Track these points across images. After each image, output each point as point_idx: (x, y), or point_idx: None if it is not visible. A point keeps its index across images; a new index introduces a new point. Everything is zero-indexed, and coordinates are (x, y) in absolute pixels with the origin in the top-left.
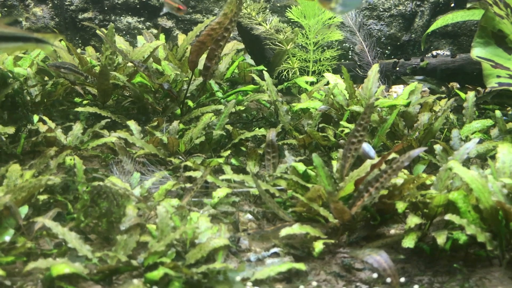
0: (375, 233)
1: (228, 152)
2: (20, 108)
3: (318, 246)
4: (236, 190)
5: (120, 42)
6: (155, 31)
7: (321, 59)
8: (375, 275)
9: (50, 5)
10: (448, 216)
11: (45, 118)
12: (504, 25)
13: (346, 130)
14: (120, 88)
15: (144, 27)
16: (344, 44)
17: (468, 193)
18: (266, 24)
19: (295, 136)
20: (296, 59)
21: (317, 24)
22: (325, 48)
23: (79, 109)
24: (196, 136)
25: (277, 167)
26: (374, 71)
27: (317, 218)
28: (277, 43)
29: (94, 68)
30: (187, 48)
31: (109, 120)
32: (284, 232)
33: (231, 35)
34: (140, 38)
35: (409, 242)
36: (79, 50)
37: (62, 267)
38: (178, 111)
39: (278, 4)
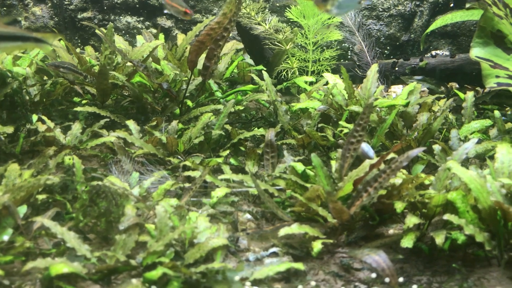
0: (374, 233)
1: (227, 152)
2: (19, 108)
3: (317, 246)
4: (235, 190)
5: (119, 41)
6: (154, 30)
7: (320, 59)
8: (373, 275)
9: (49, 4)
10: (446, 216)
11: (44, 117)
12: (503, 25)
13: (345, 130)
14: (119, 88)
15: (144, 27)
16: (343, 44)
17: (466, 193)
18: (266, 24)
19: (294, 136)
20: (295, 59)
21: (316, 24)
22: (324, 48)
23: (78, 108)
24: (195, 135)
25: (276, 167)
26: (373, 71)
27: (316, 218)
28: (276, 43)
29: (93, 67)
30: (186, 47)
31: (108, 119)
32: (283, 231)
33: (231, 34)
34: (139, 38)
35: (407, 242)
36: (78, 50)
37: (60, 266)
38: (177, 111)
39: (278, 4)
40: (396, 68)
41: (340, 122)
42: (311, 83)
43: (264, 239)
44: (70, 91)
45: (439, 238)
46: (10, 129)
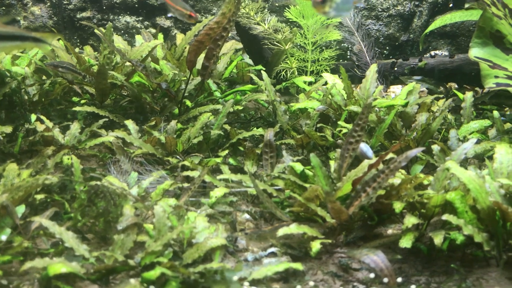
0: (373, 233)
1: (226, 151)
2: (17, 107)
3: (316, 246)
4: (234, 190)
5: (118, 41)
6: (153, 30)
7: (320, 59)
8: (372, 275)
9: (48, 4)
10: (445, 216)
11: (42, 117)
12: (502, 25)
13: (344, 130)
14: (118, 88)
15: (143, 27)
16: (342, 44)
17: (465, 194)
18: (265, 23)
19: (293, 136)
20: (294, 59)
21: (316, 24)
22: (323, 48)
23: (77, 108)
24: (194, 135)
25: (275, 167)
26: (372, 71)
27: (315, 218)
28: (275, 42)
29: (92, 67)
30: (185, 47)
31: (107, 119)
32: (281, 231)
33: (230, 34)
34: (138, 38)
35: (406, 242)
36: (77, 50)
37: (58, 266)
38: (176, 111)
39: (277, 4)
40: (395, 68)
41: (339, 122)
42: (310, 83)
43: (263, 239)
44: (69, 91)
45: (438, 238)
46: (8, 129)
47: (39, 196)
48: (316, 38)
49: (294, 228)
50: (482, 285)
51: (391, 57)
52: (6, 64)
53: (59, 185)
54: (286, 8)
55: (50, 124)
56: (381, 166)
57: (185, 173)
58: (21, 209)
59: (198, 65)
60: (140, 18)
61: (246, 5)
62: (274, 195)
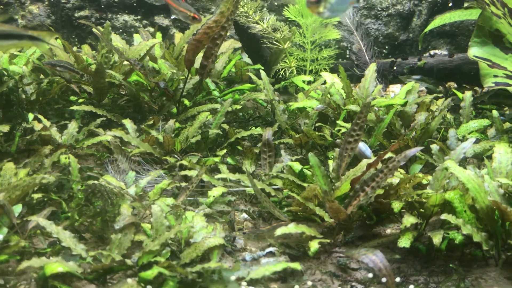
0: (371, 232)
1: (224, 151)
2: (15, 106)
3: (314, 245)
4: (232, 189)
5: (117, 40)
6: (152, 29)
7: (318, 58)
8: (370, 275)
9: (46, 3)
10: (444, 216)
11: (40, 116)
12: (501, 24)
13: (343, 130)
14: (116, 87)
15: (141, 26)
16: (341, 43)
17: (464, 193)
18: (263, 22)
19: (291, 135)
20: (293, 58)
21: (315, 23)
22: (322, 47)
23: (75, 107)
24: (192, 135)
25: (273, 166)
26: (371, 70)
27: (313, 217)
28: (274, 42)
29: (90, 66)
30: (184, 46)
31: (104, 118)
32: (279, 231)
33: (228, 33)
34: (136, 37)
35: (405, 242)
36: (75, 48)
37: (55, 266)
38: (174, 110)
39: (276, 3)
40: (395, 68)
41: (338, 122)
42: (309, 83)
43: (261, 239)
44: (67, 90)
45: (437, 238)
46: (5, 128)
47: (36, 195)
48: (315, 37)
49: (292, 228)
50: (481, 285)
51: (390, 56)
52: (4, 63)
53: (57, 184)
54: (285, 7)
55: (48, 123)
56: (379, 166)
57: (183, 173)
58: (18, 208)
59: (197, 64)
60: (139, 17)
61: (244, 4)
62: (273, 195)
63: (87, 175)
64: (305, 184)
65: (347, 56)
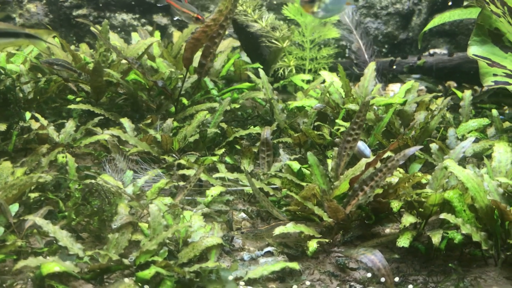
0: (370, 232)
1: (223, 150)
2: (12, 105)
3: (312, 245)
4: (230, 188)
5: (115, 39)
6: (150, 28)
7: (318, 57)
8: (369, 275)
9: (44, 1)
10: (443, 215)
11: (37, 115)
12: (501, 23)
13: (342, 129)
14: (114, 86)
15: (139, 24)
16: (341, 42)
17: (463, 192)
18: (262, 21)
19: (290, 134)
20: (292, 57)
21: (314, 22)
22: (321, 46)
23: (72, 106)
24: (190, 134)
25: (272, 166)
26: (370, 69)
27: (312, 217)
28: (273, 40)
29: (88, 65)
30: (182, 45)
31: (102, 117)
32: (278, 231)
33: (227, 32)
34: (134, 35)
35: (404, 242)
36: (73, 47)
37: (52, 265)
38: (173, 109)
39: (275, 1)
40: (394, 67)
41: (337, 121)
42: (308, 81)
43: (259, 238)
44: (64, 89)
45: (436, 238)
46: (2, 127)
47: (33, 195)
48: (314, 36)
49: (290, 227)
50: (480, 285)
51: (389, 55)
52: (1, 61)
53: (54, 183)
54: (284, 6)
55: (45, 122)
56: (379, 165)
57: (181, 172)
58: (14, 208)
59: (195, 63)
60: (137, 16)
61: (243, 2)
62: (271, 194)
63: (85, 174)
64: (304, 184)
65: (346, 55)
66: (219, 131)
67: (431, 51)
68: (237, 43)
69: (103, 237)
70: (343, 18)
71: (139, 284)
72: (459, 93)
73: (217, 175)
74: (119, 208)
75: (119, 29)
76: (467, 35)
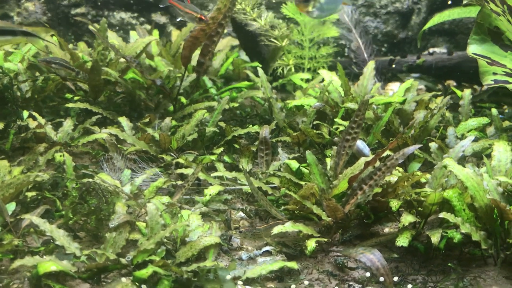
0: (369, 231)
1: (221, 149)
2: (9, 104)
3: (311, 244)
4: (229, 187)
5: (113, 37)
6: (149, 27)
7: (317, 56)
8: (368, 274)
9: (42, 0)
10: (442, 214)
11: (35, 114)
12: (501, 22)
13: (341, 128)
14: (112, 84)
15: (138, 23)
16: (340, 41)
17: (463, 191)
18: (261, 20)
19: (289, 133)
20: (291, 56)
21: (313, 21)
22: (320, 45)
23: (70, 105)
24: (189, 133)
25: (270, 165)
26: (370, 68)
27: (310, 216)
28: (272, 39)
29: (86, 63)
30: (181, 44)
31: (100, 116)
32: (276, 230)
33: (226, 31)
34: (133, 34)
35: (403, 241)
36: (71, 46)
37: (49, 264)
38: (171, 108)
39: (274, 0)
40: (393, 66)
41: (336, 120)
42: (307, 80)
43: (257, 238)
44: (62, 87)
45: (435, 237)
46: (0, 126)
47: (30, 194)
48: (313, 35)
49: (289, 227)
50: (480, 284)
51: (389, 54)
52: None
53: (51, 182)
54: (283, 4)
55: (43, 121)
56: (378, 164)
57: (179, 171)
58: (11, 207)
59: (194, 62)
60: (136, 15)
61: (242, 1)
62: (269, 193)
63: (82, 173)
64: (303, 183)
65: (346, 54)
66: (217, 130)
67: (431, 50)
68: (236, 42)
69: (100, 236)
70: (342, 17)
71: (137, 283)
72: (458, 92)
73: (215, 174)
74: (117, 207)
75: (117, 27)
76: (467, 34)
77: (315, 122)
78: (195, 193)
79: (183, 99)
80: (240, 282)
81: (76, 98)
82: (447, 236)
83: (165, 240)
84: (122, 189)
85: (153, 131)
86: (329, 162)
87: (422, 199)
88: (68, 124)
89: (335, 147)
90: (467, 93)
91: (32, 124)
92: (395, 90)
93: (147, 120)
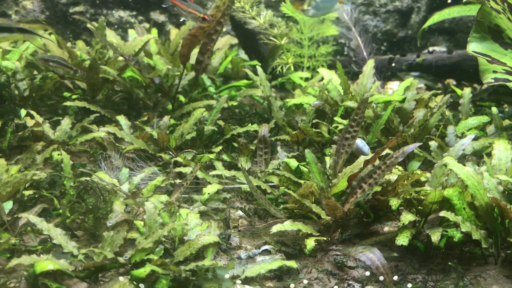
0: (368, 230)
1: (220, 147)
2: (7, 102)
3: (310, 243)
4: (227, 186)
5: (111, 36)
6: (147, 25)
7: (316, 55)
8: (368, 273)
9: None
10: (442, 213)
11: (32, 112)
12: (501, 20)
13: (340, 126)
14: (110, 83)
15: (137, 21)
16: (339, 40)
17: (463, 190)
18: (260, 18)
19: (288, 132)
20: (290, 55)
21: (312, 19)
22: (320, 43)
23: (68, 103)
24: (187, 131)
25: (269, 163)
26: (369, 66)
27: (309, 215)
28: (271, 37)
29: (84, 62)
30: (179, 42)
31: (98, 114)
32: (275, 229)
33: (225, 30)
34: (131, 32)
35: (402, 240)
36: (69, 44)
37: (46, 263)
38: (170, 106)
39: None
40: (393, 64)
41: (335, 118)
42: (306, 79)
43: (256, 237)
44: (60, 86)
45: (435, 236)
46: None
47: (28, 192)
48: (313, 34)
49: (288, 225)
50: (480, 283)
51: (388, 53)
52: None
53: (48, 181)
54: (282, 2)
55: (40, 119)
56: (377, 162)
57: (178, 169)
58: (8, 205)
59: (192, 60)
60: (134, 13)
61: None
62: (268, 192)
63: (80, 171)
64: (302, 181)
65: (345, 52)
66: (216, 129)
67: (430, 48)
68: (235, 41)
69: (98, 235)
70: (341, 15)
71: (134, 282)
72: (458, 91)
73: (214, 172)
74: (115, 206)
75: (116, 26)
76: (466, 33)
77: (314, 121)
78: (194, 192)
79: (181, 98)
80: (238, 281)
81: (74, 96)
82: (447, 235)
83: (163, 239)
84: (120, 188)
85: (152, 130)
86: (328, 160)
87: (422, 197)
88: (66, 122)
89: (334, 146)
90: (467, 92)
91: (30, 122)
92: (394, 89)
93: (146, 118)
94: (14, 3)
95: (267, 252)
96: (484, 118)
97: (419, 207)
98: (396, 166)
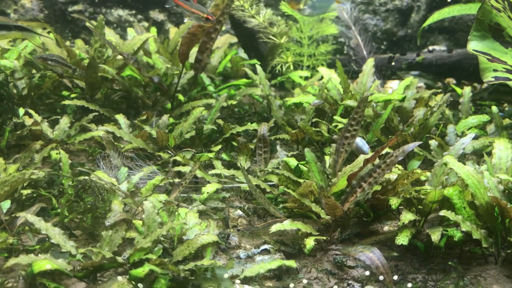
0: (368, 229)
1: (219, 147)
2: (5, 101)
3: (310, 242)
4: (227, 185)
5: (110, 34)
6: (146, 24)
7: (316, 54)
8: (367, 273)
9: None
10: (443, 212)
11: (31, 111)
12: (501, 18)
13: (340, 125)
14: (109, 81)
15: (136, 20)
16: (339, 39)
17: (463, 189)
18: (260, 17)
19: (288, 131)
20: (290, 53)
21: (312, 18)
22: (319, 42)
23: (67, 102)
24: (186, 130)
25: (269, 162)
26: (369, 65)
27: (309, 214)
28: (270, 36)
29: (82, 60)
30: (178, 41)
31: (97, 113)
32: (274, 228)
33: (224, 28)
34: (130, 31)
35: (402, 239)
36: (68, 43)
37: (44, 263)
38: (169, 105)
39: None
40: (393, 63)
41: (335, 117)
42: (306, 78)
43: (256, 236)
44: (59, 85)
45: (435, 235)
46: None
47: (26, 191)
48: (312, 32)
49: (287, 225)
50: (480, 283)
51: (388, 52)
52: None
53: (47, 180)
54: (282, 1)
55: (39, 118)
56: (377, 161)
57: (177, 169)
58: (6, 205)
59: (192, 59)
60: (133, 12)
61: None
62: (268, 191)
63: (78, 170)
64: (301, 180)
65: (345, 51)
66: (215, 128)
67: (430, 47)
68: (234, 39)
69: (96, 235)
70: (341, 14)
71: (133, 282)
72: (458, 90)
73: (213, 172)
74: (113, 205)
75: (115, 25)
76: (466, 32)
77: (314, 120)
78: (193, 191)
79: (180, 97)
80: (238, 281)
81: (72, 95)
82: (447, 234)
83: (162, 239)
84: (119, 187)
85: (151, 129)
86: (328, 159)
87: (422, 197)
88: (64, 121)
89: (334, 145)
90: (467, 91)
91: (28, 121)
92: (394, 88)
93: (145, 117)
94: (13, 1)
95: (266, 251)
96: (484, 117)
97: (419, 206)
98: (396, 165)
